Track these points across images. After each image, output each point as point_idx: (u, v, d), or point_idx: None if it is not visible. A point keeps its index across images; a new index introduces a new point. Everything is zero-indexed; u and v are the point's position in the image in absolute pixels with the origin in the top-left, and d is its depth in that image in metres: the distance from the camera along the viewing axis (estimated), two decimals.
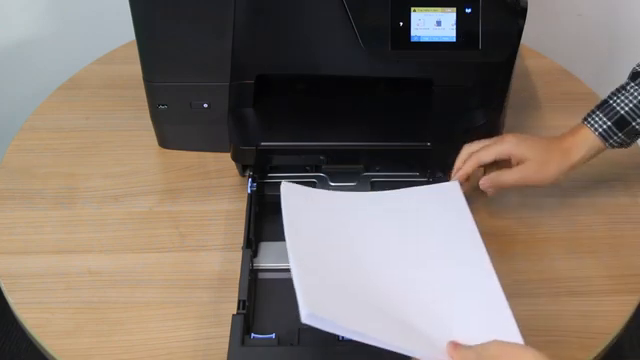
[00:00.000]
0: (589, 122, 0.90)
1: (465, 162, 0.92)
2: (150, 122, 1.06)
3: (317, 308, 0.66)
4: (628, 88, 0.89)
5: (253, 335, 0.79)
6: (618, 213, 1.00)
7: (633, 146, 1.09)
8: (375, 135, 0.99)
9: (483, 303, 0.76)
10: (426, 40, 0.92)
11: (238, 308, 0.79)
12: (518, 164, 0.90)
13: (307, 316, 0.65)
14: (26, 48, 1.47)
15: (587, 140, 0.90)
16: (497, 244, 0.95)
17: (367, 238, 0.84)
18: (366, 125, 1.00)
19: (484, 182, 0.92)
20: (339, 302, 0.72)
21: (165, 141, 1.08)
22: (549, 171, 0.90)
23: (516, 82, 1.04)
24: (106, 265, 0.91)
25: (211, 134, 1.04)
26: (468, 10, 0.91)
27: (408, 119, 1.01)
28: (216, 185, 1.02)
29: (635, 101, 0.88)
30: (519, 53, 0.95)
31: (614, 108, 0.88)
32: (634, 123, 0.88)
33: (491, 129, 1.01)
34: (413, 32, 0.92)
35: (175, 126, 1.05)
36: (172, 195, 1.01)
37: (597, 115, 0.89)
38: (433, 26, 0.92)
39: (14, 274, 0.90)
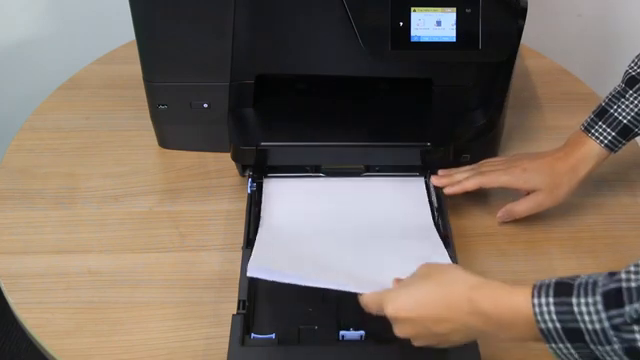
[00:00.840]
0: (593, 134, 0.91)
1: (468, 179, 0.94)
2: (150, 122, 1.06)
3: (263, 262, 0.78)
4: (627, 96, 0.89)
5: (253, 335, 0.79)
6: (618, 213, 1.00)
7: (634, 146, 1.09)
8: (375, 135, 0.99)
9: (425, 251, 0.87)
10: (426, 40, 0.92)
11: (238, 308, 0.79)
12: (528, 193, 0.94)
13: (252, 269, 0.76)
14: (26, 48, 1.47)
15: (593, 152, 0.91)
16: (497, 244, 0.95)
17: (332, 217, 0.93)
18: (366, 125, 1.00)
19: (501, 216, 0.97)
20: (287, 258, 0.83)
21: (165, 141, 1.08)
22: (560, 194, 0.93)
23: (516, 82, 1.04)
24: (106, 265, 0.91)
25: (211, 134, 1.04)
26: (468, 10, 0.91)
27: (408, 119, 1.01)
28: (216, 185, 1.02)
29: (636, 109, 0.88)
30: (519, 53, 0.96)
31: (616, 118, 0.89)
32: (637, 129, 0.89)
33: (491, 129, 1.02)
34: (413, 32, 0.92)
35: (175, 126, 1.05)
36: (172, 195, 1.01)
37: (600, 126, 0.90)
38: (433, 26, 0.92)
39: (14, 274, 0.90)
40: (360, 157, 1.01)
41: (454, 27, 0.92)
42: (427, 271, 0.72)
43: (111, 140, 1.09)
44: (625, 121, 0.89)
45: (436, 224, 0.93)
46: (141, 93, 1.03)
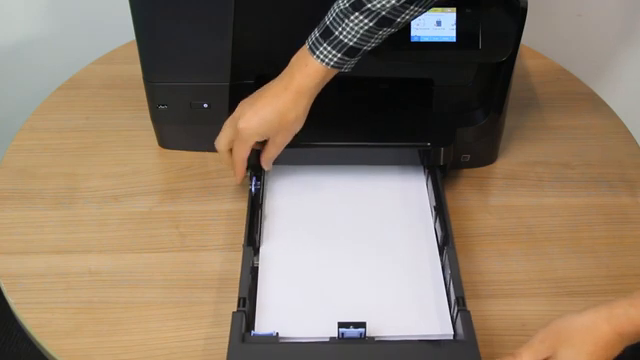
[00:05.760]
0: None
1: None
2: (150, 122, 1.06)
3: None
4: (352, 18, 0.81)
5: (253, 332, 0.79)
6: (618, 213, 1.00)
7: (634, 146, 1.09)
8: (375, 135, 0.99)
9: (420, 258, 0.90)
10: (426, 40, 0.92)
11: (238, 305, 0.79)
12: None
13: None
14: (26, 48, 1.47)
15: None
16: (497, 244, 0.95)
17: (331, 222, 0.94)
18: (366, 125, 1.00)
19: None
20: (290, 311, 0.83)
21: (165, 141, 1.08)
22: None
23: (516, 82, 1.04)
24: (106, 265, 0.91)
25: (211, 134, 1.03)
26: (468, 10, 0.91)
27: (408, 119, 1.01)
28: (216, 185, 1.02)
29: (362, 31, 0.82)
30: (519, 53, 0.96)
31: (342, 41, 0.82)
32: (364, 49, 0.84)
33: (491, 129, 1.02)
34: (413, 32, 0.92)
35: (175, 126, 1.05)
36: (172, 195, 1.01)
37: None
38: (433, 26, 0.92)
39: (14, 274, 0.90)
40: (360, 157, 1.01)
41: (454, 27, 0.92)
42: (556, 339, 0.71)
43: (111, 140, 1.09)
44: (351, 43, 0.82)
45: (435, 224, 0.93)
46: (141, 93, 1.03)
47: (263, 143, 0.91)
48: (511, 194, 1.02)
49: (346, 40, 0.82)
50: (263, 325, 0.81)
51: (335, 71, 0.86)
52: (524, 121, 1.14)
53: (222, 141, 0.92)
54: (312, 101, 0.87)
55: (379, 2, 0.79)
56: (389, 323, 0.80)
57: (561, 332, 0.70)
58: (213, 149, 1.05)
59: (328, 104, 1.03)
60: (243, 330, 0.78)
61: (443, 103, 1.00)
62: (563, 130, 1.12)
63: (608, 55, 1.54)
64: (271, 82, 0.89)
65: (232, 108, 1.00)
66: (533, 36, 1.16)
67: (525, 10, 0.91)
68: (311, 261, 0.89)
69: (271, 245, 0.91)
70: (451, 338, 0.80)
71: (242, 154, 0.90)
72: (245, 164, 0.92)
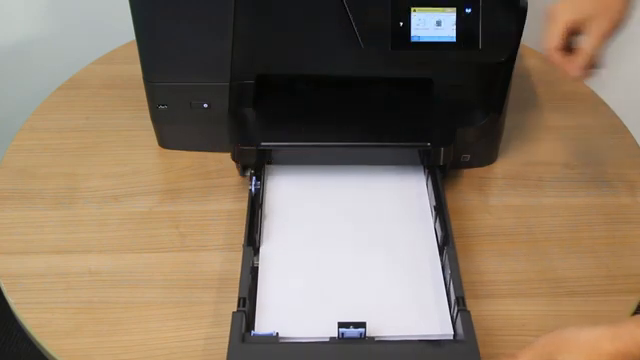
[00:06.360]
0: None
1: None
2: (150, 122, 1.06)
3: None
4: None
5: (253, 332, 0.79)
6: (618, 213, 1.00)
7: (634, 146, 1.09)
8: (375, 135, 0.99)
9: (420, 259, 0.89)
10: (426, 40, 0.92)
11: (238, 305, 0.79)
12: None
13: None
14: (26, 48, 1.47)
15: None
16: (497, 244, 0.95)
17: (331, 221, 0.94)
18: (366, 125, 1.00)
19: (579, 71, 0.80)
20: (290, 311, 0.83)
21: (165, 141, 1.08)
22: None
23: (516, 82, 1.04)
24: (106, 265, 0.91)
25: (211, 134, 1.04)
26: (468, 10, 0.91)
27: (408, 119, 1.01)
28: (216, 185, 1.02)
29: None
30: (519, 53, 0.95)
31: None
32: None
33: (491, 129, 1.02)
34: (413, 32, 0.92)
35: (175, 126, 1.05)
36: (172, 195, 1.01)
37: None
38: (433, 26, 0.92)
39: (14, 274, 0.90)
40: (360, 157, 1.01)
41: (454, 27, 0.92)
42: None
43: (111, 140, 1.09)
44: None
45: (435, 224, 0.93)
46: (141, 93, 1.03)
47: None
48: (511, 194, 1.02)
49: None
50: (263, 325, 0.81)
51: None
52: (524, 121, 1.14)
53: (548, 35, 0.81)
54: None
55: None
56: (389, 323, 0.80)
57: (564, 342, 0.70)
58: (213, 149, 1.06)
59: (328, 104, 1.04)
60: (243, 330, 0.78)
61: (443, 103, 1.00)
62: (563, 130, 1.12)
63: (608, 55, 1.53)
64: None
65: (232, 108, 1.01)
66: (533, 36, 1.16)
67: (525, 10, 0.91)
68: (311, 261, 0.89)
69: (271, 245, 0.91)
70: (451, 338, 0.80)
71: (551, 40, 0.79)
72: (557, 54, 0.81)
